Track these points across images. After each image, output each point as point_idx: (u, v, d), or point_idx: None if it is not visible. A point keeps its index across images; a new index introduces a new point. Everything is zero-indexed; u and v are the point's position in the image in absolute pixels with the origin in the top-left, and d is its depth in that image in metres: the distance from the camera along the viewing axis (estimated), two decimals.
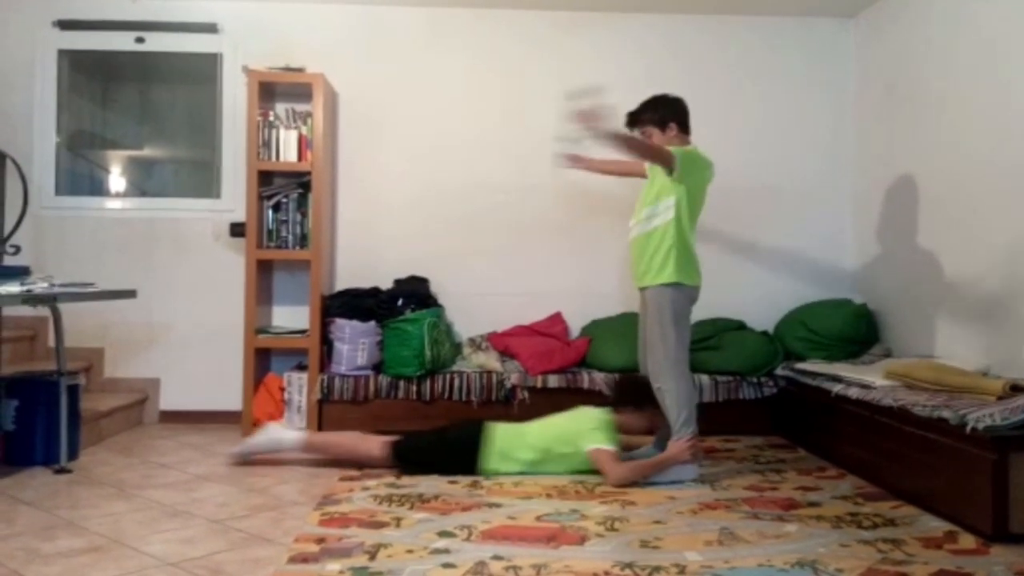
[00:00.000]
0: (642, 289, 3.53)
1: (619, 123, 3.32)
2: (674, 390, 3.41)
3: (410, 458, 3.48)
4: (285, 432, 3.71)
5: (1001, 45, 3.54)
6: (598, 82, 3.31)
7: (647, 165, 3.62)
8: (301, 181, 4.40)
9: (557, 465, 3.45)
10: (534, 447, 3.45)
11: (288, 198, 4.40)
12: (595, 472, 3.39)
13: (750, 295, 4.72)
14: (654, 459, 3.42)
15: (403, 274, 4.61)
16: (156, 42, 4.70)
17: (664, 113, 3.54)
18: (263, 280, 4.47)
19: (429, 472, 3.43)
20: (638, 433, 3.61)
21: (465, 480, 3.34)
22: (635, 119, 3.59)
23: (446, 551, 2.49)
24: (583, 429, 3.45)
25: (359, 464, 3.55)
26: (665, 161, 3.40)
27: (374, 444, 3.53)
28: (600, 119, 3.21)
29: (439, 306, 4.54)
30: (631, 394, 3.61)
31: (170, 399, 4.62)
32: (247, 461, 3.65)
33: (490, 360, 4.36)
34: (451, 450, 3.48)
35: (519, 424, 3.58)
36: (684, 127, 3.57)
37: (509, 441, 3.47)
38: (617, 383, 3.90)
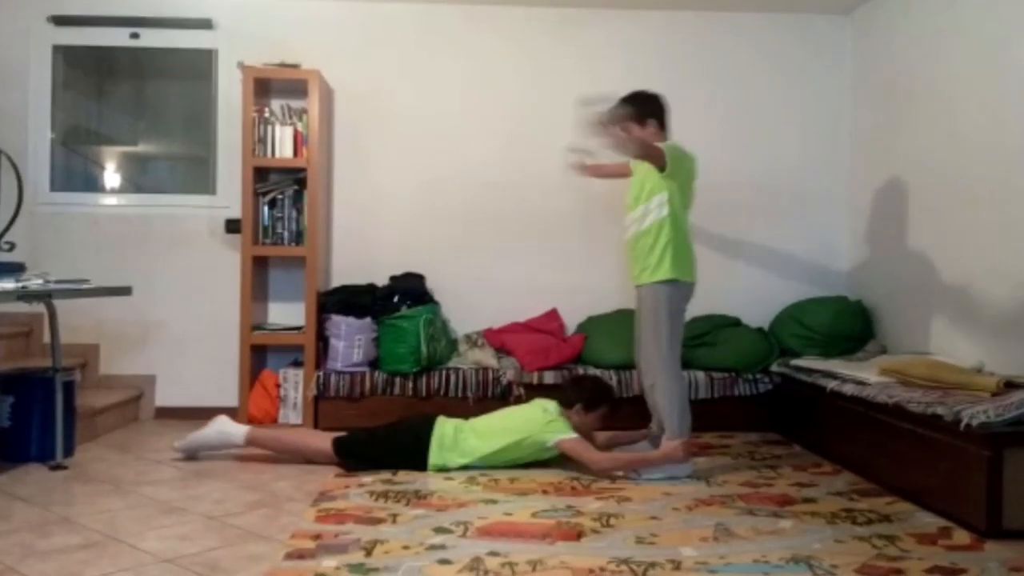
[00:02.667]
0: (638, 286, 3.53)
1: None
2: (668, 388, 3.41)
3: (353, 453, 3.48)
4: (233, 426, 3.64)
5: (998, 41, 3.55)
6: (611, 89, 3.35)
7: (631, 163, 3.63)
8: (296, 177, 4.39)
9: (508, 455, 3.45)
10: (479, 438, 3.46)
11: (283, 194, 4.40)
12: (540, 464, 3.46)
13: (745, 292, 4.73)
14: (644, 454, 3.42)
15: (399, 271, 4.61)
16: (151, 38, 4.68)
17: (643, 109, 3.54)
18: (258, 276, 4.47)
19: (374, 468, 3.42)
20: (583, 434, 3.51)
21: (461, 476, 3.34)
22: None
23: (442, 547, 2.49)
24: (543, 420, 3.44)
25: (305, 460, 3.55)
26: (658, 159, 3.41)
27: (320, 440, 3.54)
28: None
29: (435, 303, 4.54)
30: (585, 392, 3.61)
31: (166, 396, 4.61)
32: (194, 456, 3.64)
33: (486, 357, 4.36)
34: (397, 444, 3.48)
35: (467, 419, 3.58)
36: (662, 124, 3.57)
37: (454, 434, 3.47)
38: (572, 379, 3.97)
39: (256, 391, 4.34)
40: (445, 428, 3.49)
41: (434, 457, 3.43)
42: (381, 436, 3.54)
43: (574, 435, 3.39)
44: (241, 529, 2.69)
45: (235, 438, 3.59)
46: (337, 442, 3.50)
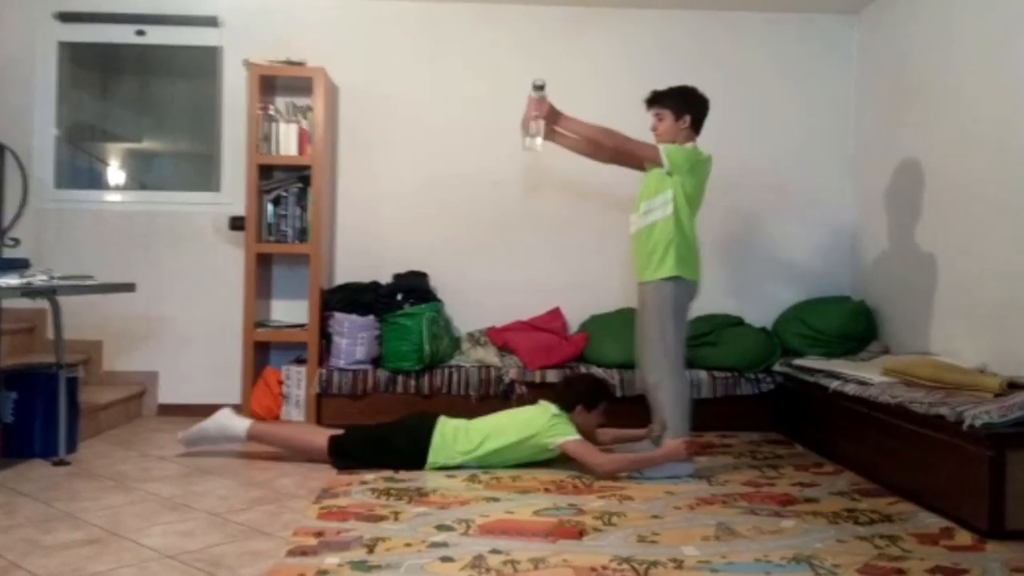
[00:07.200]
0: (641, 284, 3.52)
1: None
2: (670, 386, 3.41)
3: (347, 453, 3.45)
4: (235, 419, 3.61)
5: (1005, 41, 3.53)
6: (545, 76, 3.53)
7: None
8: (301, 175, 4.40)
9: (507, 456, 3.44)
10: (477, 438, 3.44)
11: (288, 192, 4.40)
12: (541, 463, 3.45)
13: (749, 291, 4.73)
14: (646, 454, 3.41)
15: (402, 268, 4.61)
16: (156, 35, 4.69)
17: (686, 104, 3.54)
18: (262, 274, 4.47)
19: (366, 467, 3.39)
20: (588, 432, 3.52)
21: (463, 474, 3.34)
22: (657, 98, 3.58)
23: (444, 545, 2.50)
24: (546, 422, 3.42)
25: (307, 458, 3.53)
26: (645, 155, 3.40)
27: (319, 436, 3.52)
28: (547, 107, 3.47)
29: (438, 301, 4.54)
30: (581, 391, 3.59)
31: (169, 392, 4.62)
32: (195, 449, 3.63)
33: (489, 355, 4.37)
34: (394, 446, 3.44)
35: (466, 420, 3.56)
36: (697, 125, 3.57)
37: (454, 434, 3.46)
38: (565, 381, 3.90)
39: (259, 388, 4.35)
40: (446, 428, 3.48)
41: (433, 455, 3.42)
42: (379, 435, 3.51)
43: (577, 437, 3.38)
44: (244, 526, 2.70)
45: (236, 432, 3.56)
46: (332, 441, 3.47)
